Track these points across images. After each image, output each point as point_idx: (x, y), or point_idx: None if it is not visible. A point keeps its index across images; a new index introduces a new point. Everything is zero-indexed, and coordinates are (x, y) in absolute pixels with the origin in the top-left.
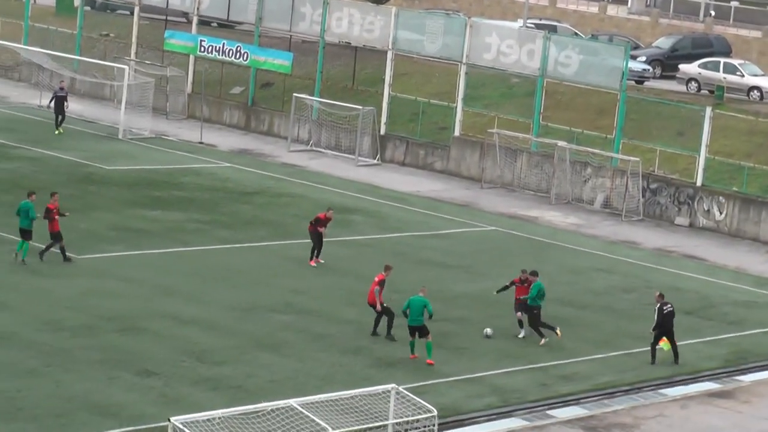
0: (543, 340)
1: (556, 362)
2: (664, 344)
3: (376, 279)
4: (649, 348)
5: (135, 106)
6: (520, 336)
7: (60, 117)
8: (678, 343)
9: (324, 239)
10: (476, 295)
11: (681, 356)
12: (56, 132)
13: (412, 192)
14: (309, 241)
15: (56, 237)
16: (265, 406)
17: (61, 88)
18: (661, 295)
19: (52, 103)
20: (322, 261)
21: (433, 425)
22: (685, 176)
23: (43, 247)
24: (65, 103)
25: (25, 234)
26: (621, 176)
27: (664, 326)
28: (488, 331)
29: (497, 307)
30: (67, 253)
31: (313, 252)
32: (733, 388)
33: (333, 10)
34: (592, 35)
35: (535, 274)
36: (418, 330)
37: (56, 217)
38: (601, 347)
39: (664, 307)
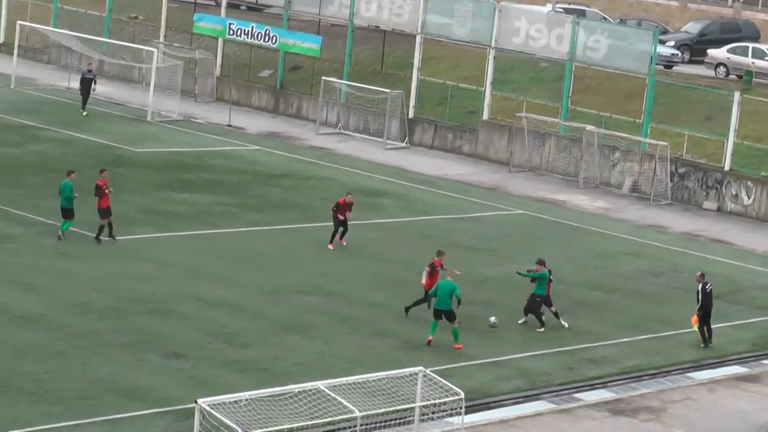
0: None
1: (583, 345)
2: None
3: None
4: (697, 331)
5: (164, 88)
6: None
7: (85, 99)
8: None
9: (350, 223)
10: (504, 278)
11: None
12: (84, 114)
13: (440, 175)
14: (331, 224)
15: (104, 213)
16: (292, 389)
17: (89, 70)
18: (702, 275)
19: (81, 86)
20: (345, 243)
21: (461, 408)
22: (713, 161)
23: (96, 232)
24: (93, 86)
25: (66, 213)
26: (649, 160)
27: (706, 306)
28: (493, 320)
29: (525, 291)
30: (112, 233)
31: (333, 236)
32: (760, 372)
33: None
34: (621, 20)
35: (541, 263)
36: (444, 314)
37: (106, 192)
38: (629, 331)
39: (707, 287)
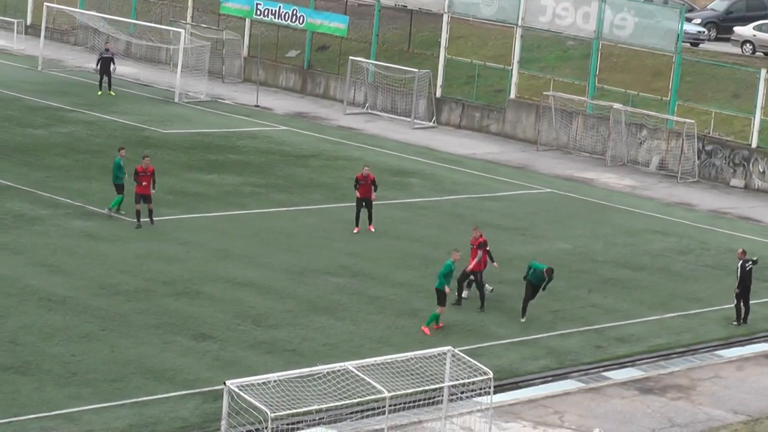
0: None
1: (611, 324)
2: None
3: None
4: (733, 307)
5: (191, 69)
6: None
7: (106, 78)
8: (733, 305)
9: (375, 202)
10: (532, 257)
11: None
12: (99, 93)
13: (467, 155)
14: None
15: (139, 199)
16: (321, 369)
17: (107, 50)
18: (744, 252)
19: (99, 65)
20: (373, 229)
21: (489, 387)
22: (741, 138)
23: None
24: (112, 66)
25: (117, 189)
26: (676, 138)
27: (745, 283)
28: (488, 287)
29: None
30: (147, 218)
31: (357, 218)
32: None
33: None
34: None
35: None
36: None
37: (144, 181)
38: (657, 309)
39: (746, 264)
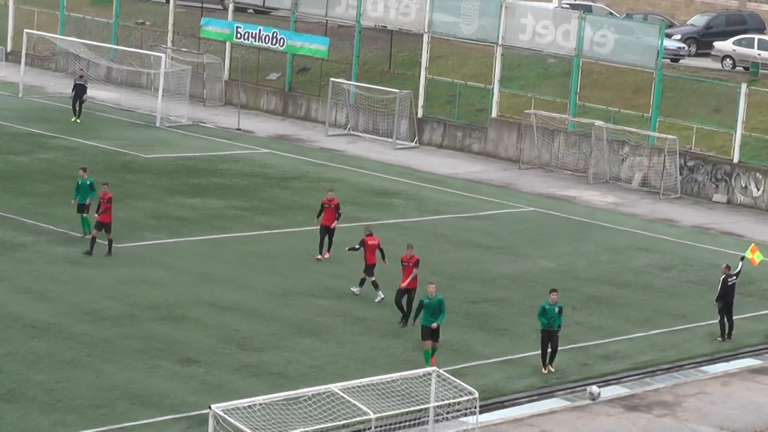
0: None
1: (596, 342)
2: (756, 255)
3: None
4: (717, 322)
5: (172, 93)
6: (377, 300)
7: (78, 106)
8: (717, 320)
9: (335, 227)
10: (516, 275)
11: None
12: (72, 120)
13: (450, 174)
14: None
15: (99, 226)
16: (306, 392)
17: (81, 77)
18: (728, 267)
19: (73, 92)
20: (329, 256)
21: (475, 407)
22: (722, 153)
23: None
24: (85, 93)
25: (79, 209)
26: (658, 154)
27: (727, 298)
28: (380, 295)
29: (537, 288)
30: (111, 248)
31: (320, 246)
32: None
33: None
34: (627, 14)
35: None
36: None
37: (102, 208)
38: (641, 326)
39: (729, 279)
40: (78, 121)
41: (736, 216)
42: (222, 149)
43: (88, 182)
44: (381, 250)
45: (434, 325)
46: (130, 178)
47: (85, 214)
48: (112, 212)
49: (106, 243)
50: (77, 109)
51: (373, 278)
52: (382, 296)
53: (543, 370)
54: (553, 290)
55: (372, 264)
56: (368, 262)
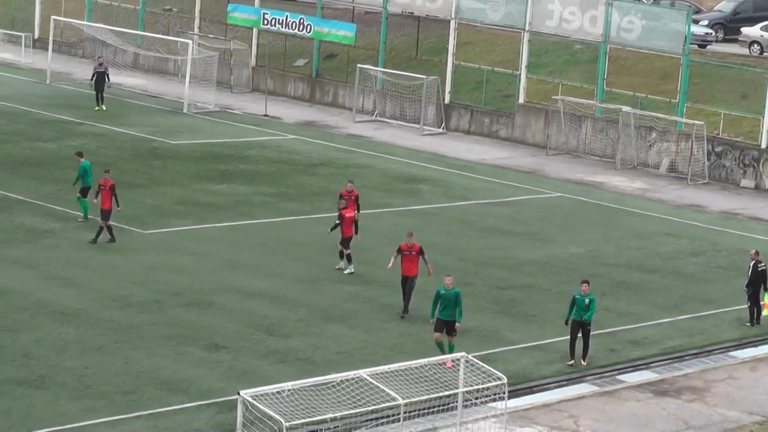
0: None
1: (625, 327)
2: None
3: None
4: (747, 307)
5: (199, 80)
6: (346, 272)
7: (100, 94)
8: (745, 305)
9: (358, 223)
10: (543, 261)
11: (749, 319)
12: (96, 109)
13: (477, 160)
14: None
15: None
16: (335, 378)
17: (100, 64)
18: (757, 253)
19: (93, 79)
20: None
21: (504, 392)
22: (750, 139)
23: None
24: (106, 80)
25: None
26: (686, 140)
27: (757, 283)
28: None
29: (564, 274)
30: (101, 237)
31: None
32: None
33: None
34: (654, 0)
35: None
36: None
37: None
38: (670, 311)
39: (759, 265)
40: (103, 108)
41: (764, 201)
42: (249, 135)
43: (87, 165)
44: (356, 223)
45: (457, 324)
46: (157, 164)
47: (85, 198)
48: (115, 199)
49: (98, 229)
50: (100, 97)
51: (348, 251)
52: (353, 270)
53: (569, 361)
54: (584, 281)
55: (349, 237)
56: (345, 235)
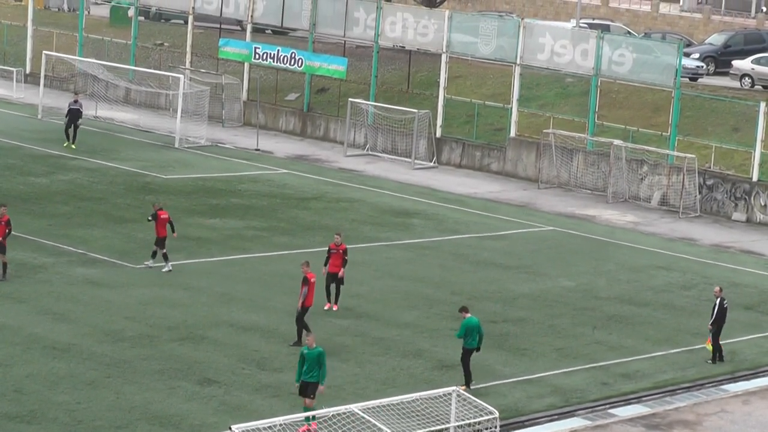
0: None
1: (617, 360)
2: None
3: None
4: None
5: (191, 114)
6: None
7: (73, 131)
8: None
9: (343, 276)
10: (536, 295)
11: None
12: (65, 145)
13: (469, 194)
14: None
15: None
16: (326, 412)
17: (75, 101)
18: (721, 290)
19: (67, 116)
20: (336, 308)
21: (495, 427)
22: (741, 172)
23: None
24: (80, 118)
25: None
26: (677, 173)
27: (722, 321)
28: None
29: (556, 307)
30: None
31: (327, 292)
32: None
33: (386, 14)
34: (645, 33)
35: (464, 309)
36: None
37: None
38: (662, 344)
39: (725, 302)
40: (73, 146)
41: (756, 234)
42: (241, 170)
43: None
44: (171, 224)
45: (321, 387)
46: (149, 199)
47: None
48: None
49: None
50: (71, 134)
51: (164, 250)
52: (170, 268)
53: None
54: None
55: (163, 237)
56: (159, 235)
